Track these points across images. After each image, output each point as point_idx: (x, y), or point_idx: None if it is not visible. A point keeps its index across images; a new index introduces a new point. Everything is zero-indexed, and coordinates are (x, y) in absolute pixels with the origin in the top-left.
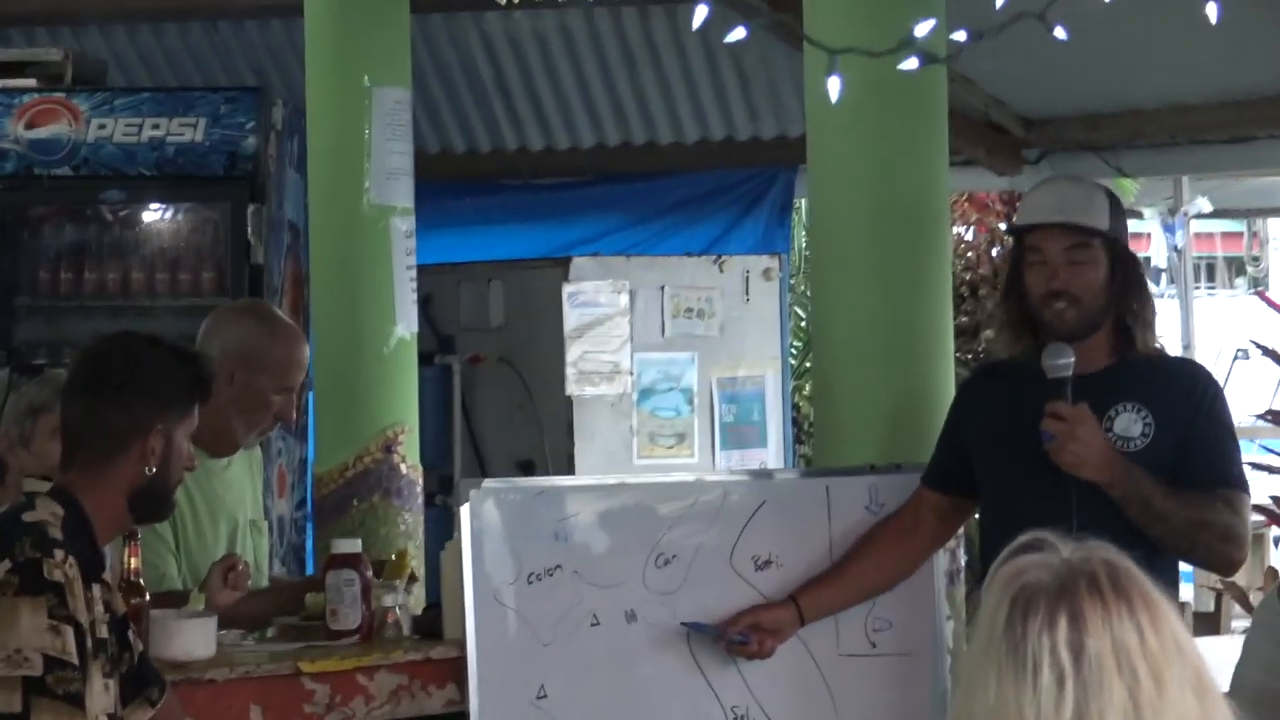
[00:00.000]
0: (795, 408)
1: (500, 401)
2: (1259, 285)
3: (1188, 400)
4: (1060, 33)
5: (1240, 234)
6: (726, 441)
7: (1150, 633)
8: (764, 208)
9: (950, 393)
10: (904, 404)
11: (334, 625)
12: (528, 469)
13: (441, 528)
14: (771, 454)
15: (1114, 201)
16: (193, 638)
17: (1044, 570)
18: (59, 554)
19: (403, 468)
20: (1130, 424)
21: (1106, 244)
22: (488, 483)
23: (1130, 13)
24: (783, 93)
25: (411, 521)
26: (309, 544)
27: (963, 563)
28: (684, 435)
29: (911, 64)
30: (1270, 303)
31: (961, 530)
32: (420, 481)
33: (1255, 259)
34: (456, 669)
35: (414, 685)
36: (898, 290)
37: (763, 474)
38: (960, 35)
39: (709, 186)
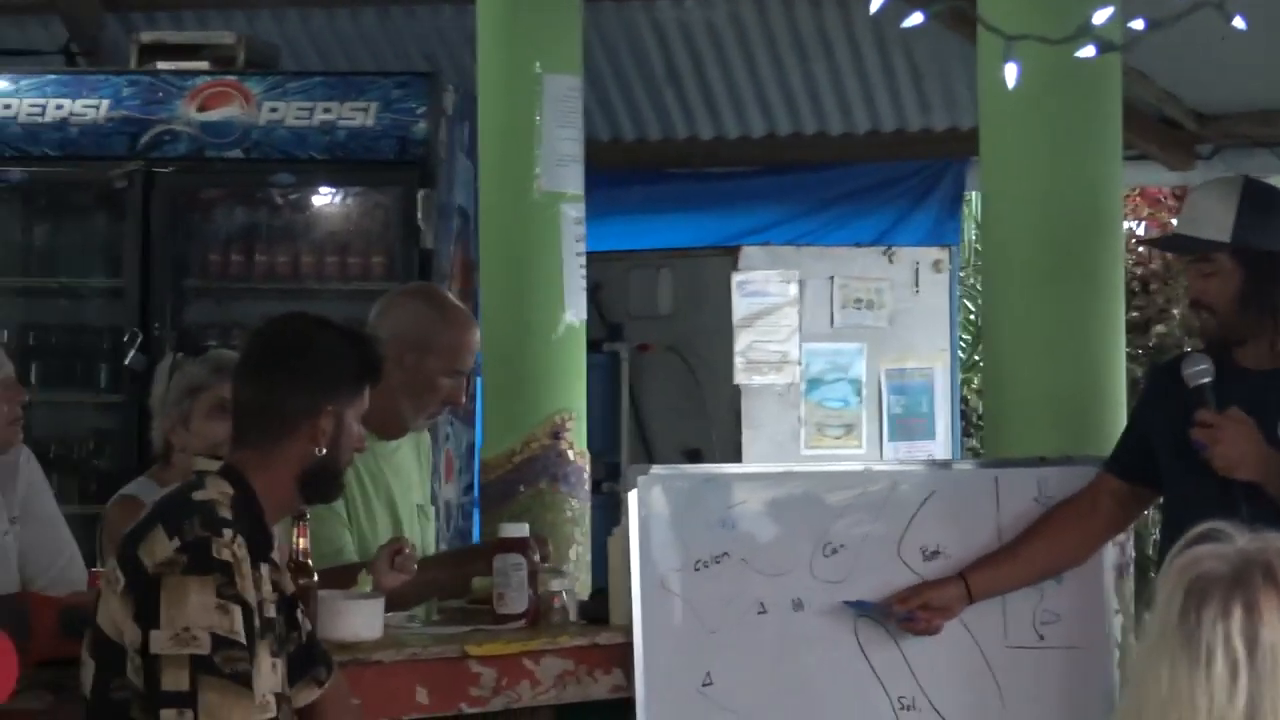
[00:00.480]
0: (963, 400)
1: (668, 390)
2: None
3: None
4: (1239, 23)
5: None
6: (895, 433)
7: None
8: (934, 200)
9: (1121, 387)
10: (1074, 397)
11: (501, 609)
12: (695, 457)
13: (608, 515)
14: (939, 446)
15: (1253, 205)
16: (360, 619)
17: (1219, 560)
18: (228, 533)
19: (570, 454)
20: None
21: (1234, 252)
22: (655, 469)
23: None
24: (954, 84)
25: (578, 508)
26: (475, 529)
27: (1131, 556)
28: (851, 426)
29: (1088, 52)
30: None
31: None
32: (588, 468)
33: None
34: (623, 655)
35: (580, 670)
36: (1069, 284)
37: (930, 464)
38: (1138, 23)
39: (879, 178)
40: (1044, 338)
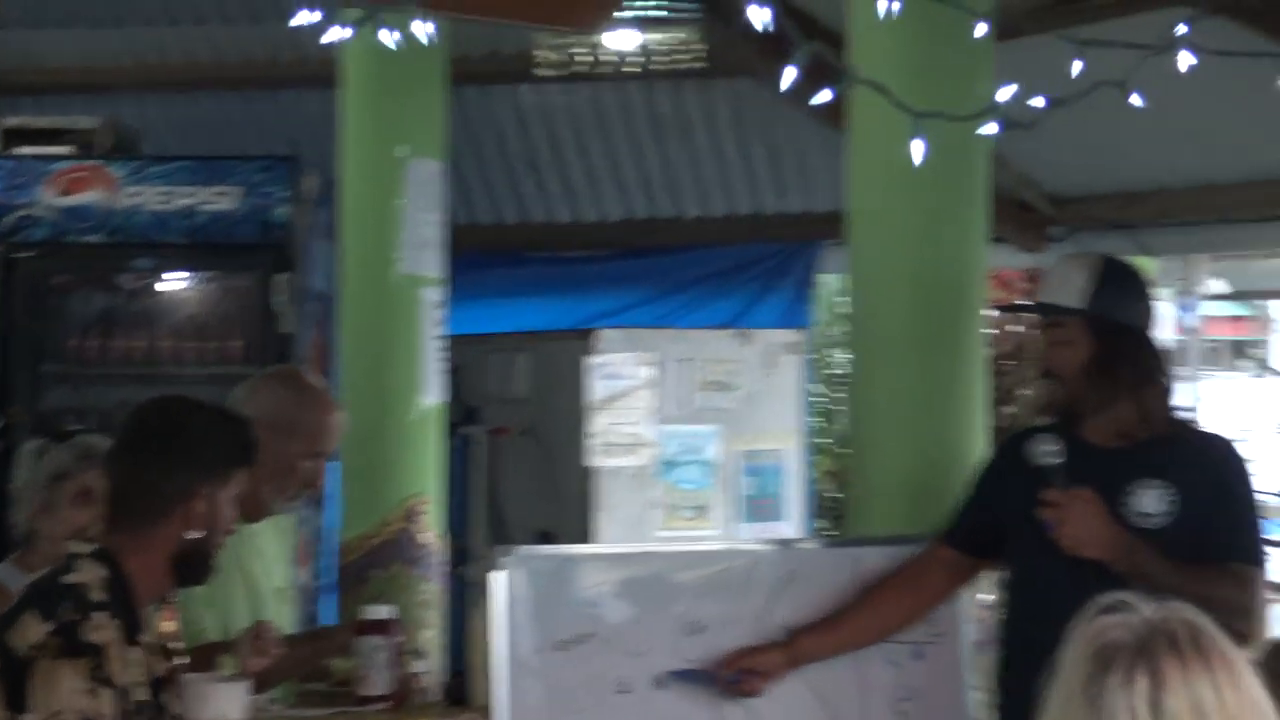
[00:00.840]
0: (813, 482)
1: (523, 472)
2: (1262, 368)
3: (1214, 478)
4: (1137, 100)
5: (1249, 318)
6: (747, 514)
7: (1228, 690)
8: (788, 282)
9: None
10: (937, 475)
11: (364, 691)
12: (548, 539)
13: (459, 597)
14: (791, 528)
15: (1109, 278)
16: (225, 702)
17: (1124, 630)
18: (99, 616)
19: (424, 537)
20: (1152, 500)
21: (1088, 321)
22: (520, 550)
23: (1163, 92)
24: (811, 167)
25: (432, 591)
26: (321, 613)
27: (988, 632)
28: (704, 507)
29: (992, 129)
30: None
31: (983, 597)
32: (443, 552)
33: (1259, 341)
34: None
35: None
36: (937, 362)
37: (791, 544)
38: (1039, 101)
39: (734, 261)
40: (910, 417)
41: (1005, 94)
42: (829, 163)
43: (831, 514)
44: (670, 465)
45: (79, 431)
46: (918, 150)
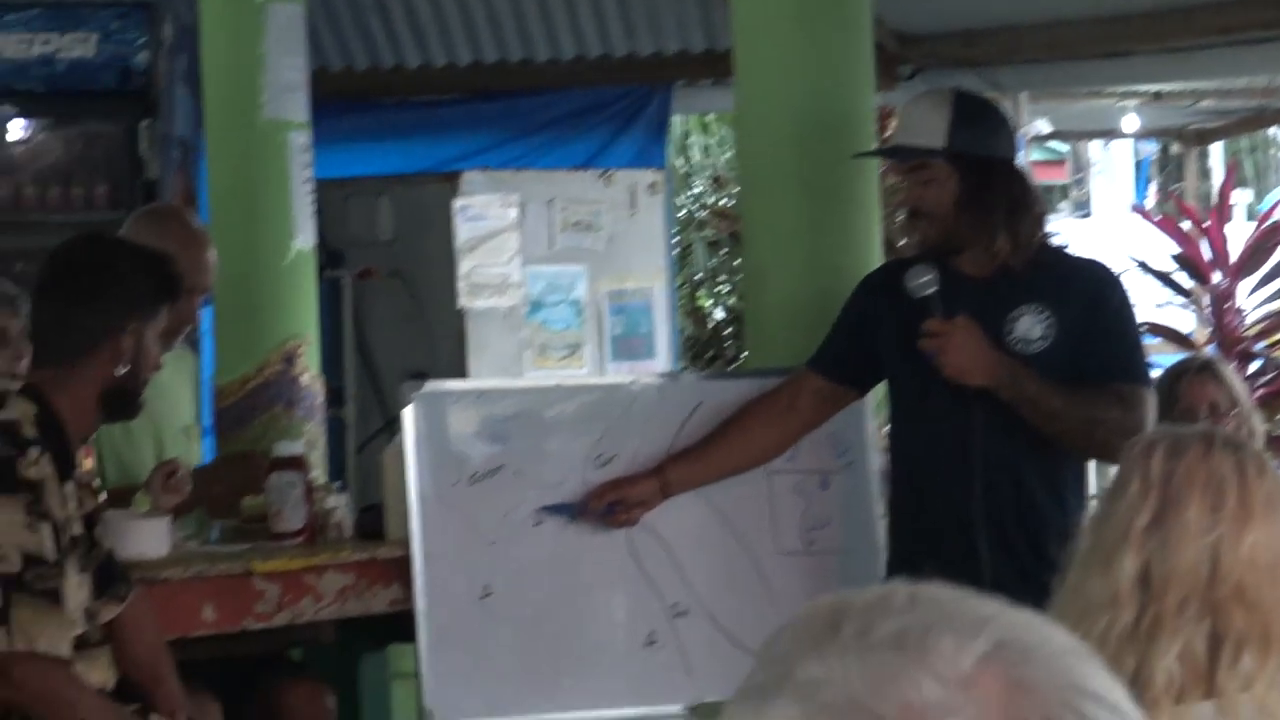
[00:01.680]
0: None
1: (391, 315)
2: (1082, 209)
3: (1089, 299)
4: None
5: (1060, 162)
6: (616, 353)
7: (1254, 473)
8: (640, 124)
9: None
10: (832, 306)
11: (277, 527)
12: (420, 381)
13: (335, 438)
14: (659, 365)
15: (964, 113)
16: (147, 537)
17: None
18: (34, 451)
19: (304, 379)
20: (1031, 326)
21: (950, 159)
22: (430, 385)
23: None
24: (659, 8)
25: (314, 431)
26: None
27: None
28: (575, 346)
29: None
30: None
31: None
32: (322, 393)
33: (1079, 182)
34: (401, 569)
35: (360, 585)
36: (825, 198)
37: (699, 375)
38: None
39: (587, 103)
40: (802, 248)
41: None
42: (678, 4)
43: (689, 353)
44: (539, 306)
45: None
46: None
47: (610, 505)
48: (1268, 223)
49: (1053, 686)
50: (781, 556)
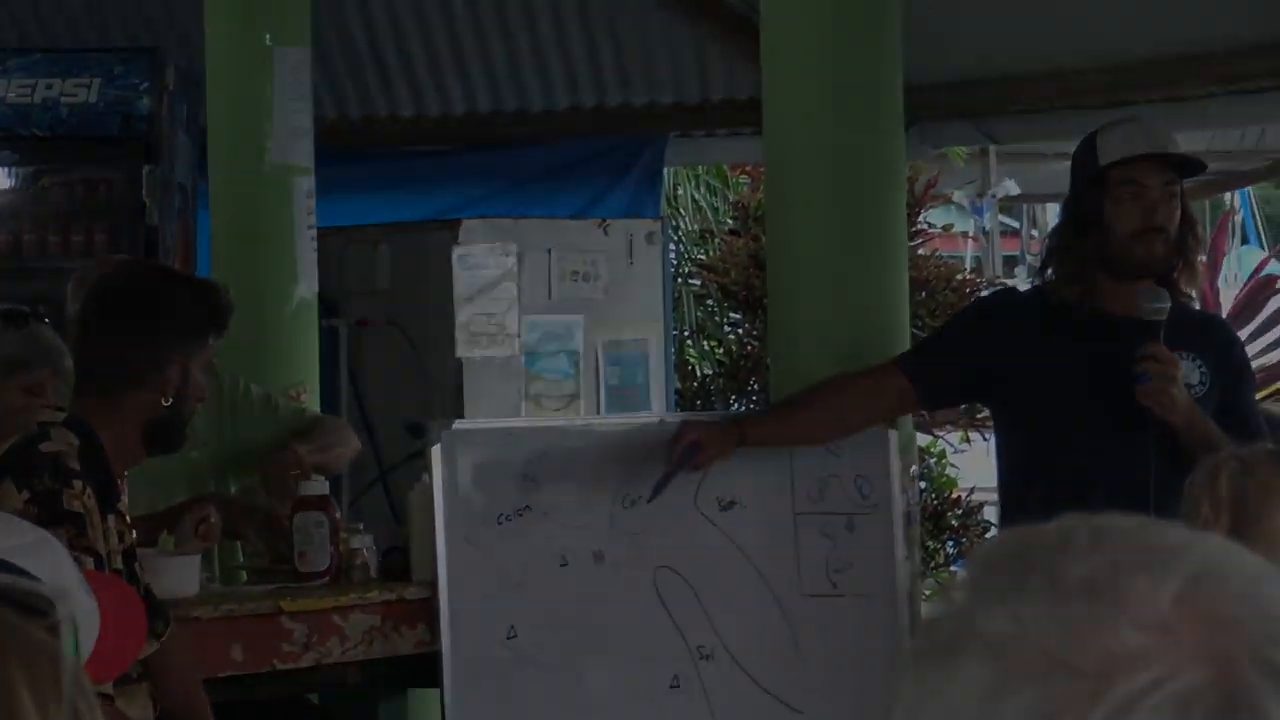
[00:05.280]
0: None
1: (388, 364)
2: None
3: (1229, 352)
4: None
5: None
6: (611, 404)
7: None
8: (634, 175)
9: (904, 330)
10: (861, 343)
11: (303, 567)
12: (418, 431)
13: (330, 489)
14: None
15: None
16: (179, 576)
17: None
18: (78, 484)
19: None
20: (1190, 371)
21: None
22: (459, 424)
23: None
24: (655, 59)
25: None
26: None
27: (916, 503)
28: (571, 397)
29: None
30: None
31: (915, 468)
32: None
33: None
34: (427, 610)
35: (385, 626)
36: (856, 240)
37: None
38: None
39: (581, 153)
40: (833, 296)
41: None
42: (673, 55)
43: (678, 406)
44: (535, 356)
45: (23, 313)
46: None
47: (691, 446)
48: (1261, 273)
49: (1255, 618)
50: (807, 599)
